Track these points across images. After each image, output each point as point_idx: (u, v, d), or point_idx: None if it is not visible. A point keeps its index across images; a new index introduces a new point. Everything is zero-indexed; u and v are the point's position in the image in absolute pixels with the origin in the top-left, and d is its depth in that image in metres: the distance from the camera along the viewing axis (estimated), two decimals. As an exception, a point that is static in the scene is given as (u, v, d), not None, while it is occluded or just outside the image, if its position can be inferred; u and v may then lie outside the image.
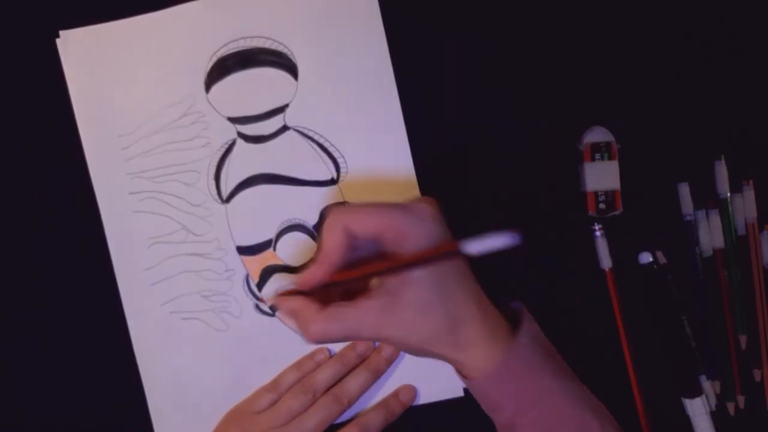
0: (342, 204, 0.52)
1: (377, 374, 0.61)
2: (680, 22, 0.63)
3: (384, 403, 0.61)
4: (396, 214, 0.48)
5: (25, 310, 0.62)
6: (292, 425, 0.58)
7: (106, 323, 0.61)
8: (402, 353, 0.62)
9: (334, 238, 0.48)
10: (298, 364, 0.61)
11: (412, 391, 0.62)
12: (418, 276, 0.48)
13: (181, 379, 0.61)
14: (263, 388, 0.61)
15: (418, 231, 0.48)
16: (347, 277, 0.48)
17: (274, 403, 0.60)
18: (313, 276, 0.49)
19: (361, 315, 0.49)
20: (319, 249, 0.49)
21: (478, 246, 0.44)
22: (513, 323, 0.52)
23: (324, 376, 0.60)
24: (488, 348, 0.50)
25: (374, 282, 0.50)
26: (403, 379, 0.62)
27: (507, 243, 0.43)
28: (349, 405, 0.60)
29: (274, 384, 0.61)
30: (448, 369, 0.60)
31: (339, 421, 0.60)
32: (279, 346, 0.62)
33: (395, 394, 0.62)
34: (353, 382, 0.60)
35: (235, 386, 0.61)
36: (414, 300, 0.48)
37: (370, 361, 0.61)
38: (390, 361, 0.61)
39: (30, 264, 0.62)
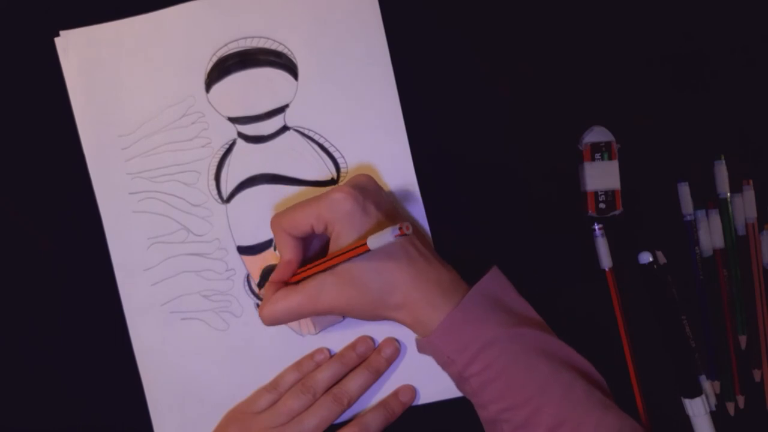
0: (277, 213, 0.57)
1: (377, 374, 0.61)
2: (680, 23, 0.64)
3: (384, 403, 0.61)
4: (316, 207, 0.54)
5: (25, 311, 0.62)
6: (291, 425, 0.58)
7: (106, 323, 0.61)
8: (402, 354, 0.62)
9: (282, 242, 0.56)
10: (297, 365, 0.61)
11: (412, 391, 0.62)
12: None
13: (181, 379, 0.61)
14: (263, 389, 0.61)
15: (337, 216, 0.54)
16: (300, 275, 0.56)
17: (273, 404, 0.60)
18: (281, 273, 0.57)
19: (299, 294, 0.56)
20: (279, 254, 0.57)
21: (376, 241, 0.50)
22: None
23: (324, 375, 0.60)
24: (431, 308, 0.54)
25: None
26: (403, 379, 0.62)
27: (397, 235, 0.48)
28: (349, 405, 0.60)
29: (274, 384, 0.61)
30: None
31: (339, 421, 0.60)
32: (279, 346, 0.62)
33: (395, 394, 0.62)
34: (353, 382, 0.60)
35: (235, 386, 0.61)
36: (345, 275, 0.54)
37: (370, 361, 0.61)
38: (390, 361, 0.61)
39: (30, 264, 0.62)
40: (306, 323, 0.62)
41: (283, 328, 0.62)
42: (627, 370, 0.63)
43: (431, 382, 0.62)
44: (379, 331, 0.62)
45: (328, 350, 0.62)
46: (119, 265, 0.62)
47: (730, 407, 0.63)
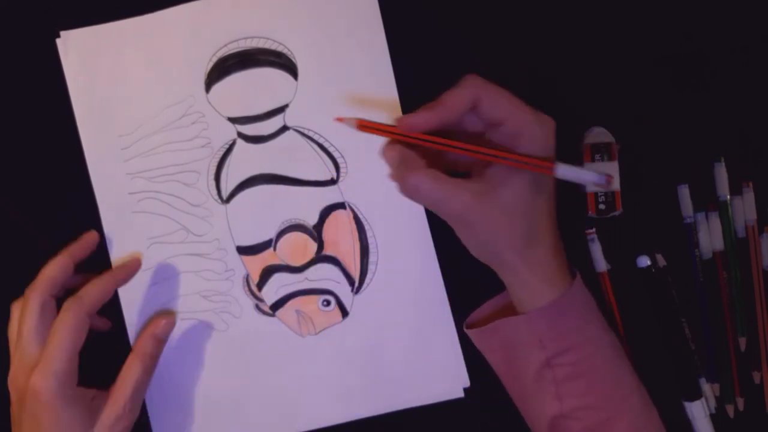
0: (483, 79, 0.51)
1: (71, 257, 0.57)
2: (680, 23, 0.63)
3: (137, 349, 0.58)
4: (525, 111, 0.49)
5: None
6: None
7: (105, 323, 0.61)
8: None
9: (458, 95, 0.49)
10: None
11: (170, 320, 0.60)
12: (519, 180, 0.49)
13: (180, 379, 0.61)
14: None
15: (537, 135, 0.49)
16: (450, 144, 0.49)
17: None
18: (419, 119, 0.49)
19: (457, 190, 0.49)
20: (437, 100, 0.50)
21: (568, 172, 0.47)
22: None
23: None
24: (549, 278, 0.52)
25: (476, 169, 0.52)
26: (403, 379, 0.62)
27: (595, 181, 0.45)
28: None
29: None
30: (448, 369, 0.60)
31: (336, 423, 0.60)
32: (279, 346, 0.62)
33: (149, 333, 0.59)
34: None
35: (234, 386, 0.61)
36: (506, 200, 0.49)
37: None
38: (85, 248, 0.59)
39: (30, 264, 0.62)
40: (306, 324, 0.62)
41: (283, 328, 0.62)
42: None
43: (431, 383, 0.62)
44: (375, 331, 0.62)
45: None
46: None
47: (730, 409, 0.63)
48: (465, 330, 0.58)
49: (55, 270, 0.56)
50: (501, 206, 0.49)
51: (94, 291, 0.56)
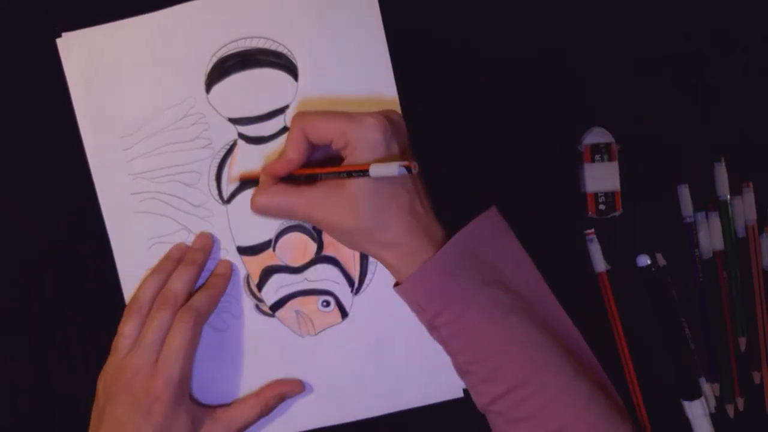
0: (303, 111, 0.57)
1: (197, 266, 0.61)
2: (680, 23, 0.63)
3: (208, 285, 0.61)
4: (344, 123, 0.54)
5: (26, 311, 0.62)
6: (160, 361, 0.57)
7: (108, 323, 0.61)
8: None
9: (294, 140, 0.56)
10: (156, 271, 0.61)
11: (228, 266, 0.62)
12: (354, 180, 0.54)
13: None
14: (127, 316, 0.59)
15: (361, 141, 0.54)
16: (299, 173, 0.57)
17: (140, 330, 0.58)
18: (276, 169, 0.57)
19: (299, 196, 0.56)
20: (285, 147, 0.57)
21: (379, 170, 0.51)
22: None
23: (178, 285, 0.59)
24: (414, 255, 0.55)
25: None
26: (403, 379, 0.62)
27: (398, 172, 0.50)
28: (176, 304, 0.58)
29: (138, 307, 0.59)
30: (448, 369, 0.60)
31: (336, 424, 0.61)
32: (279, 346, 0.62)
33: (214, 274, 0.62)
34: (176, 281, 0.59)
35: (234, 386, 0.62)
36: (348, 193, 0.54)
37: (187, 258, 0.61)
38: (205, 251, 0.61)
39: (31, 264, 0.62)
40: (306, 324, 0.62)
41: (282, 328, 0.62)
42: (623, 372, 0.63)
43: (431, 383, 0.62)
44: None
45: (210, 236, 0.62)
46: (121, 265, 0.62)
47: (730, 409, 0.63)
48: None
49: (187, 285, 0.60)
50: (343, 205, 0.55)
51: (205, 300, 0.59)
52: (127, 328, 0.58)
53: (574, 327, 0.57)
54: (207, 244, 0.61)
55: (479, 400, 0.56)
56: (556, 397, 0.53)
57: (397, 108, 0.62)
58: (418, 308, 0.56)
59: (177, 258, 0.61)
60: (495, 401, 0.54)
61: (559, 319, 0.57)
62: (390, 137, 0.54)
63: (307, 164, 0.57)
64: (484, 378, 0.55)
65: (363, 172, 0.51)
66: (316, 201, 0.55)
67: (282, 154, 0.57)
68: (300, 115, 0.56)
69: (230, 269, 0.62)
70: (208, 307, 0.59)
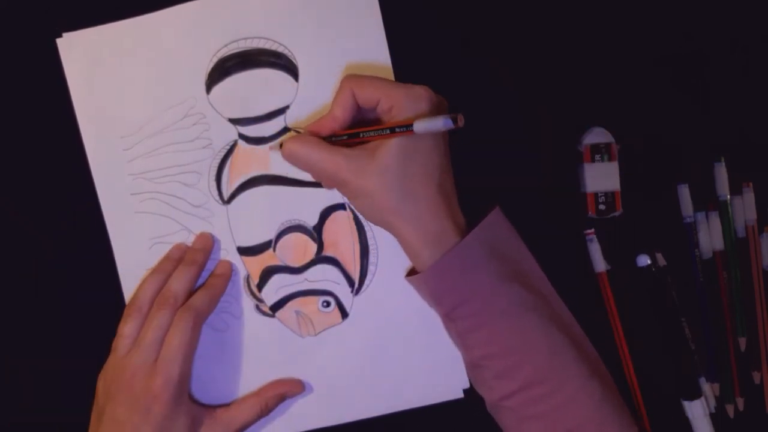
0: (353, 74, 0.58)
1: (197, 266, 0.61)
2: (680, 23, 0.63)
3: (208, 285, 0.61)
4: (393, 87, 0.55)
5: (27, 311, 0.62)
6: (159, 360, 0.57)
7: (108, 323, 0.61)
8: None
9: (342, 98, 0.56)
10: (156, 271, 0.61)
11: (228, 265, 0.62)
12: (387, 145, 0.54)
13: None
14: (127, 316, 0.59)
15: (407, 105, 0.53)
16: (342, 133, 0.56)
17: (140, 330, 0.58)
18: (321, 126, 0.57)
19: (330, 153, 0.55)
20: (332, 105, 0.57)
21: (423, 125, 0.50)
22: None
23: (178, 285, 0.59)
24: (438, 240, 0.54)
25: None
26: (403, 380, 0.62)
27: (444, 124, 0.49)
28: (176, 304, 0.59)
29: (137, 307, 0.59)
30: (447, 370, 0.60)
31: (336, 424, 0.61)
32: (279, 347, 0.62)
33: (214, 274, 0.62)
34: (177, 282, 0.59)
35: (234, 386, 0.62)
36: (378, 160, 0.54)
37: (186, 258, 0.61)
38: (205, 251, 0.61)
39: (32, 264, 0.62)
40: (306, 324, 0.62)
41: (282, 329, 0.62)
42: (628, 372, 0.63)
43: (431, 384, 0.62)
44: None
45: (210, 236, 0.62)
46: (122, 265, 0.62)
47: (730, 409, 0.63)
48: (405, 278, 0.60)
49: (187, 285, 0.60)
50: (372, 168, 0.54)
51: (205, 300, 0.59)
52: (126, 328, 0.58)
53: (581, 328, 0.57)
54: (207, 244, 0.61)
55: (491, 396, 0.56)
56: (571, 397, 0.53)
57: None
58: (435, 300, 0.56)
59: (177, 258, 0.61)
60: (508, 398, 0.54)
61: (569, 320, 0.57)
62: (435, 110, 0.54)
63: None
64: (499, 374, 0.55)
65: (407, 128, 0.50)
66: (346, 162, 0.54)
67: (330, 113, 0.56)
68: (350, 76, 0.57)
69: (230, 269, 0.62)
70: (207, 307, 0.59)
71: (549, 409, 0.54)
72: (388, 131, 0.53)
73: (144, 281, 0.60)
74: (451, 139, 0.63)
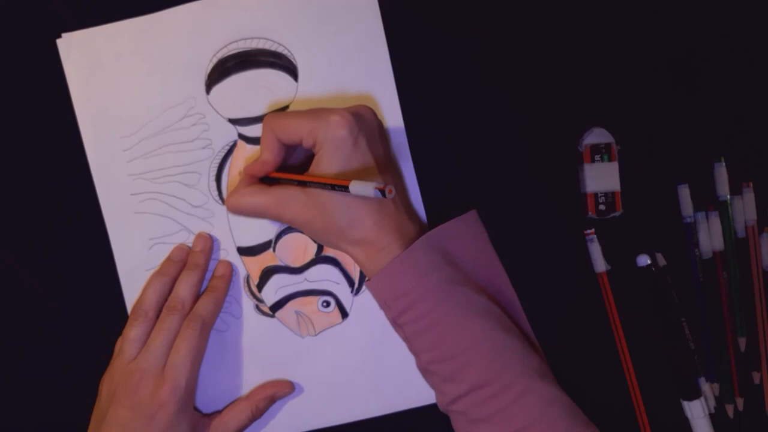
0: (274, 113, 0.58)
1: (200, 269, 0.61)
2: (680, 23, 0.63)
3: (210, 288, 0.61)
4: (311, 123, 0.55)
5: (27, 311, 0.62)
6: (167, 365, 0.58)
7: (108, 323, 0.61)
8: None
9: (267, 142, 0.57)
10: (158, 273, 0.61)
11: (228, 265, 0.62)
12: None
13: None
14: (132, 320, 0.59)
15: (327, 138, 0.54)
16: (287, 177, 0.57)
17: (147, 334, 0.59)
18: (255, 171, 0.58)
19: (269, 196, 0.57)
20: (260, 151, 0.58)
21: (358, 189, 0.50)
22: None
23: (185, 289, 0.60)
24: (384, 253, 0.56)
25: None
26: (402, 380, 0.62)
27: (377, 195, 0.49)
28: (183, 309, 0.59)
29: (143, 311, 0.59)
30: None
31: (336, 424, 0.61)
32: (279, 347, 0.62)
33: (215, 276, 0.62)
34: (182, 287, 0.60)
35: (234, 387, 0.62)
36: (317, 195, 0.55)
37: (189, 262, 0.61)
38: (206, 252, 0.62)
39: (32, 264, 0.62)
40: (306, 325, 0.62)
41: (282, 329, 0.62)
42: (622, 372, 0.63)
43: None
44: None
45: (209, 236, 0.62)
46: (122, 266, 0.62)
47: (729, 410, 0.63)
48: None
49: (193, 290, 0.61)
50: (311, 203, 0.55)
51: (210, 307, 0.60)
52: (133, 332, 0.58)
53: (535, 338, 0.58)
54: (207, 245, 0.62)
55: (441, 400, 0.57)
56: (518, 397, 0.53)
57: (397, 108, 0.62)
58: (383, 305, 0.56)
59: (179, 260, 0.61)
60: (456, 401, 0.55)
61: (524, 325, 0.59)
62: (357, 132, 0.55)
63: (295, 167, 0.59)
64: (447, 377, 0.55)
65: (344, 188, 0.51)
66: (286, 201, 0.56)
67: (260, 158, 0.58)
68: (269, 117, 0.57)
69: (231, 269, 0.62)
70: (213, 313, 0.60)
71: (496, 410, 0.54)
72: (329, 187, 0.53)
73: (148, 284, 0.61)
74: (451, 139, 0.63)
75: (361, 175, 0.55)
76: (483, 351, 0.54)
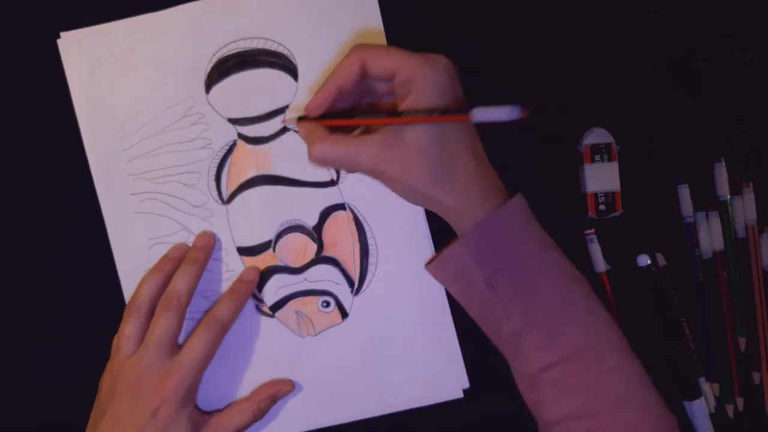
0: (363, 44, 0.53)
1: (198, 264, 0.60)
2: (680, 24, 0.63)
3: (233, 290, 0.61)
4: (410, 56, 0.51)
5: (26, 311, 0.62)
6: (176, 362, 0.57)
7: (107, 324, 0.61)
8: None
9: (346, 65, 0.52)
10: (153, 270, 0.61)
11: (256, 270, 0.62)
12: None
13: (181, 379, 0.62)
14: (127, 315, 0.59)
15: (427, 75, 0.50)
16: (353, 122, 0.53)
17: (142, 330, 0.58)
18: (318, 99, 0.52)
19: (362, 146, 0.51)
20: (331, 76, 0.52)
21: (484, 114, 0.46)
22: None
23: (181, 285, 0.59)
24: (479, 196, 0.52)
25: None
26: (403, 380, 0.62)
27: (510, 116, 0.45)
28: (179, 303, 0.59)
29: (137, 307, 0.59)
30: (447, 370, 0.60)
31: (336, 424, 0.61)
32: (278, 347, 0.62)
33: (240, 279, 0.62)
34: (179, 282, 0.59)
35: (234, 387, 0.62)
36: (413, 141, 0.50)
37: (188, 256, 0.60)
38: (206, 250, 0.61)
39: (32, 264, 0.62)
40: (306, 325, 0.62)
41: (282, 329, 0.62)
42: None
43: (431, 384, 0.62)
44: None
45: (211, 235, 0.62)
46: (121, 266, 0.62)
47: (730, 409, 0.63)
48: (425, 268, 0.58)
49: (190, 285, 0.60)
50: (406, 148, 0.51)
51: (230, 311, 0.60)
52: (127, 329, 0.58)
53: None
54: (209, 243, 0.61)
55: (528, 367, 0.53)
56: (611, 370, 0.52)
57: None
58: (477, 262, 0.53)
59: (176, 257, 0.61)
60: (548, 369, 0.52)
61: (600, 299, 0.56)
62: (456, 78, 0.52)
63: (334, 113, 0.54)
64: (540, 343, 0.52)
65: (461, 112, 0.47)
66: (381, 152, 0.51)
67: (327, 81, 0.52)
68: (360, 45, 0.52)
69: (257, 277, 0.62)
70: (232, 317, 0.60)
71: (588, 382, 0.51)
72: (439, 113, 0.49)
73: (142, 281, 0.60)
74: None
75: None
76: (579, 318, 0.52)
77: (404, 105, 0.51)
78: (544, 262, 0.53)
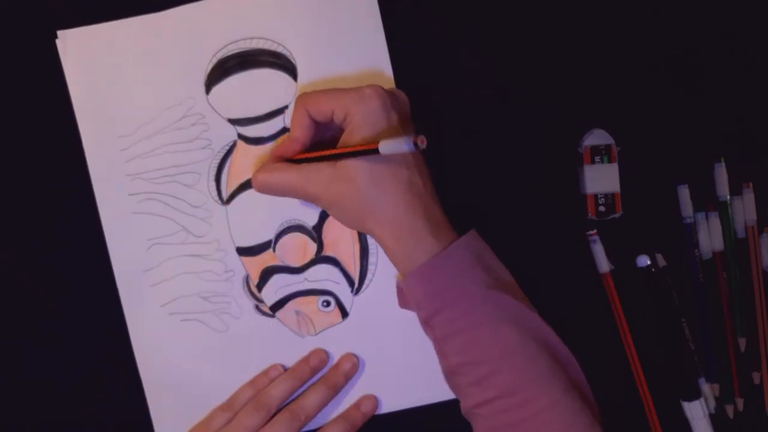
0: (307, 92, 0.57)
1: (335, 390, 0.61)
2: (680, 24, 0.63)
3: (345, 416, 0.61)
4: (344, 94, 0.55)
5: (24, 311, 0.62)
6: None
7: (105, 324, 0.61)
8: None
9: (298, 119, 0.57)
10: (251, 382, 0.61)
11: (373, 400, 0.62)
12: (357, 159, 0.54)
13: (181, 380, 0.62)
14: (218, 408, 0.61)
15: (359, 110, 0.54)
16: (311, 156, 0.56)
17: (229, 422, 0.60)
18: (285, 150, 0.57)
19: (296, 172, 0.56)
20: (291, 128, 0.57)
21: (389, 147, 0.49)
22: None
23: (278, 391, 0.60)
24: (415, 240, 0.55)
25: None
26: (402, 379, 0.62)
27: (408, 146, 0.47)
28: (307, 421, 0.60)
29: (229, 403, 0.61)
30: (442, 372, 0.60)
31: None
32: (278, 347, 0.62)
33: (356, 405, 0.62)
34: (311, 398, 0.60)
35: (234, 387, 0.62)
36: (343, 168, 0.54)
37: (328, 376, 0.61)
38: (348, 377, 0.61)
39: (30, 265, 0.62)
40: (306, 324, 0.62)
41: (282, 329, 0.62)
42: (628, 372, 0.63)
43: (429, 384, 0.62)
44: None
45: (282, 366, 0.62)
46: (119, 267, 0.62)
47: (729, 410, 0.63)
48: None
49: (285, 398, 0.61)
50: (339, 177, 0.54)
51: (319, 405, 0.61)
52: (220, 416, 0.60)
53: (562, 343, 0.56)
54: (320, 364, 0.62)
55: (465, 403, 0.56)
56: (543, 409, 0.53)
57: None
58: (416, 304, 0.56)
59: (272, 377, 0.62)
60: (481, 405, 0.54)
61: (551, 336, 0.57)
62: (389, 106, 0.54)
63: (313, 148, 0.57)
64: (474, 382, 0.54)
65: (372, 151, 0.50)
66: (314, 176, 0.55)
67: (290, 136, 0.57)
68: (302, 96, 0.57)
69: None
70: (317, 410, 0.60)
71: (520, 419, 0.53)
72: (358, 153, 0.52)
73: (240, 389, 0.61)
74: (450, 139, 0.63)
75: None
76: (514, 359, 0.54)
77: (341, 139, 0.55)
78: (485, 304, 0.54)
